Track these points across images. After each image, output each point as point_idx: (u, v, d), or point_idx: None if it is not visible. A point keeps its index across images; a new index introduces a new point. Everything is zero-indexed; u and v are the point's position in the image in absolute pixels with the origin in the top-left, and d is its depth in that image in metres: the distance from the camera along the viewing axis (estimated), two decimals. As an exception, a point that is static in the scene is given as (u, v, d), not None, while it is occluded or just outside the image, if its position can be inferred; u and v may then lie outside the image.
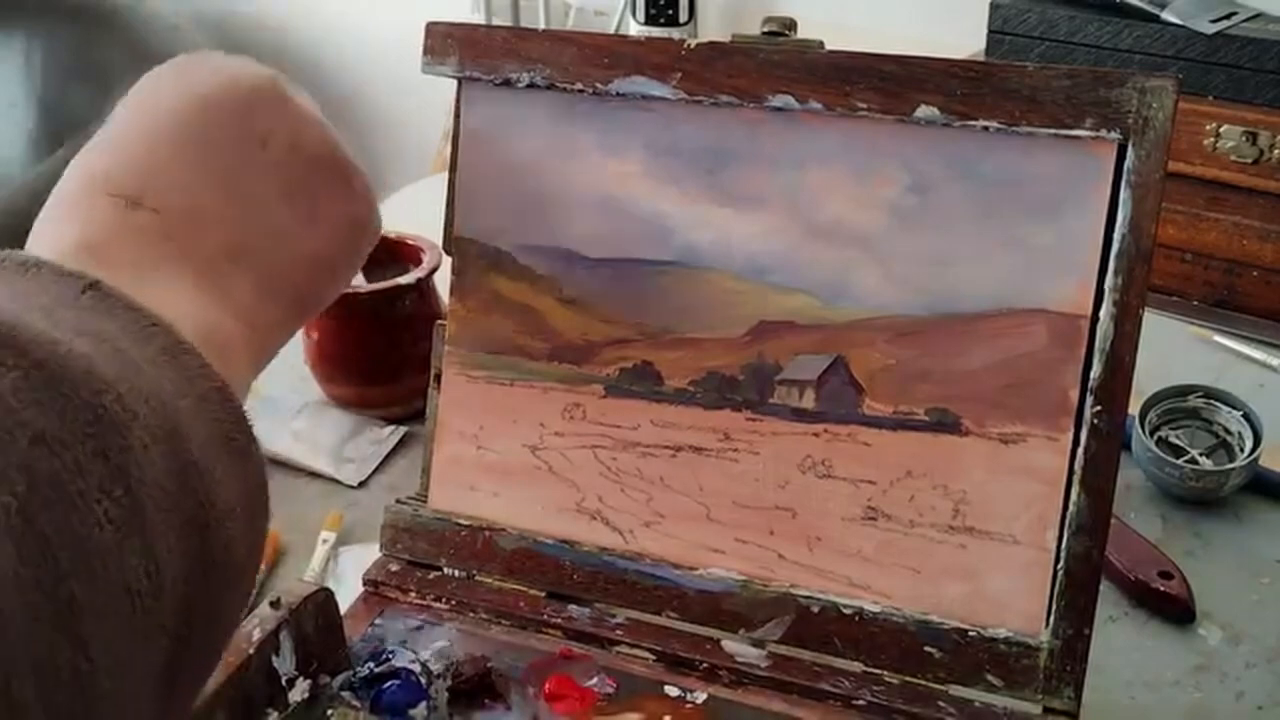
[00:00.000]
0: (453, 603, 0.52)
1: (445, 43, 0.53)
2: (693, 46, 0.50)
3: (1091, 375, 0.46)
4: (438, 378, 0.55)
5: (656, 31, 1.46)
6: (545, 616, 0.51)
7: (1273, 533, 0.69)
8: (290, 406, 0.78)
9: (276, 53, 2.29)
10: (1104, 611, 0.63)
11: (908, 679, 0.48)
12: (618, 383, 0.52)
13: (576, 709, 0.48)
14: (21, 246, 0.31)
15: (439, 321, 0.55)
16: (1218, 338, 0.88)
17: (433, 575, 0.53)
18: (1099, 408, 0.46)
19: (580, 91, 0.52)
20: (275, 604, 0.47)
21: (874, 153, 0.49)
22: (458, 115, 0.54)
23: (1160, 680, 0.59)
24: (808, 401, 0.50)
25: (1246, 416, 0.71)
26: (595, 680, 0.49)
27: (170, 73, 0.38)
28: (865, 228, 0.49)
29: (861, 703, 0.47)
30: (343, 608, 0.51)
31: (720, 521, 0.51)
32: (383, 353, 0.77)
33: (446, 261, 0.56)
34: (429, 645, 0.50)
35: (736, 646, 0.50)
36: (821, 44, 0.49)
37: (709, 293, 0.51)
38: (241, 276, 0.36)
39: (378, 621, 0.51)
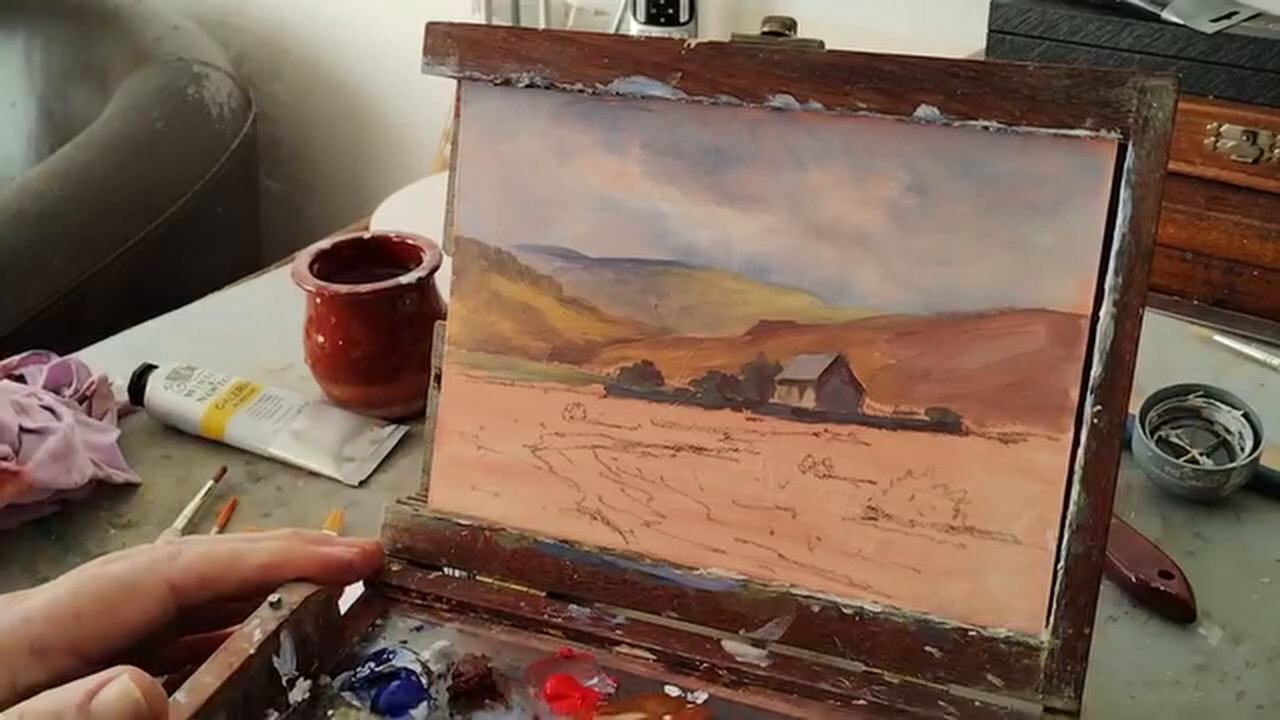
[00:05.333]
0: (453, 603, 0.52)
1: (445, 42, 0.53)
2: (693, 46, 0.50)
3: (1092, 375, 0.46)
4: (438, 378, 0.55)
5: (656, 31, 1.46)
6: (545, 616, 0.51)
7: (1273, 532, 0.69)
8: (290, 406, 0.78)
9: (277, 53, 2.29)
10: (1104, 611, 0.63)
11: (908, 679, 0.48)
12: (618, 382, 0.52)
13: (577, 709, 0.48)
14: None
15: (439, 321, 0.55)
16: (1218, 338, 0.88)
17: (433, 575, 0.53)
18: (1099, 407, 0.46)
19: (580, 91, 0.52)
20: (276, 604, 0.47)
21: (874, 152, 0.49)
22: (458, 115, 0.54)
23: (1160, 680, 0.59)
24: (808, 401, 0.50)
25: (1247, 416, 0.71)
26: (596, 680, 0.49)
27: None
28: (865, 227, 0.49)
29: (862, 702, 0.47)
30: (343, 608, 0.51)
31: (720, 521, 0.51)
32: (383, 353, 0.77)
33: (447, 261, 0.56)
34: (429, 645, 0.50)
35: (737, 646, 0.50)
36: (821, 44, 0.49)
37: (709, 292, 0.51)
38: None
39: (378, 622, 0.51)
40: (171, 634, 0.48)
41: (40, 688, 0.41)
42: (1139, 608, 0.63)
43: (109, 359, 0.83)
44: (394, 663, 0.49)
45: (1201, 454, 0.71)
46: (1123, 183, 0.45)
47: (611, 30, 1.77)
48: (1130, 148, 0.45)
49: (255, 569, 0.48)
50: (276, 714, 0.46)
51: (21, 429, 0.69)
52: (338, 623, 0.50)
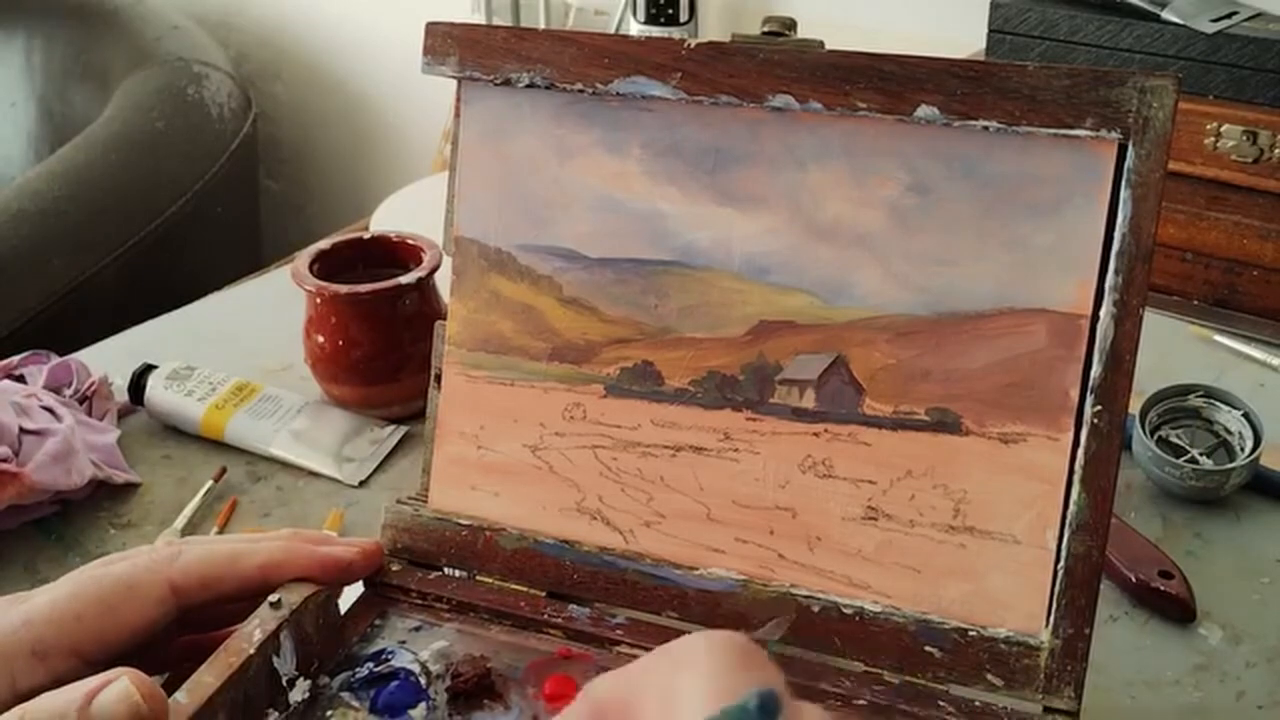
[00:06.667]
0: (453, 603, 0.52)
1: (445, 42, 0.53)
2: (693, 46, 0.50)
3: (1092, 375, 0.46)
4: (438, 378, 0.55)
5: (656, 31, 1.46)
6: (545, 616, 0.51)
7: (1273, 532, 0.69)
8: (290, 406, 0.78)
9: (277, 53, 2.29)
10: (1104, 611, 0.63)
11: (908, 678, 0.48)
12: (618, 383, 0.52)
13: (577, 709, 0.47)
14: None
15: (439, 321, 0.55)
16: (1218, 338, 0.88)
17: (433, 575, 0.53)
18: (1099, 407, 0.46)
19: (580, 91, 0.52)
20: (276, 604, 0.47)
21: (874, 152, 0.49)
22: (458, 115, 0.54)
23: (1160, 680, 0.59)
24: (808, 401, 0.50)
25: (1247, 416, 0.71)
26: (595, 680, 0.49)
27: None
28: (865, 227, 0.49)
29: (861, 702, 0.47)
30: (343, 608, 0.51)
31: (720, 521, 0.51)
32: (383, 353, 0.77)
33: (447, 261, 0.56)
34: (429, 645, 0.50)
35: (737, 646, 0.50)
36: (821, 44, 0.49)
37: (709, 292, 0.51)
38: None
39: (377, 622, 0.51)
40: (171, 634, 0.48)
41: (41, 689, 0.41)
42: (1139, 608, 0.63)
43: (109, 359, 0.83)
44: (393, 663, 0.49)
45: (1201, 454, 0.71)
46: (1123, 183, 0.45)
47: (611, 30, 1.77)
48: (1130, 148, 0.45)
49: (255, 569, 0.48)
50: (276, 714, 0.46)
51: (22, 430, 0.69)
52: (337, 623, 0.50)
